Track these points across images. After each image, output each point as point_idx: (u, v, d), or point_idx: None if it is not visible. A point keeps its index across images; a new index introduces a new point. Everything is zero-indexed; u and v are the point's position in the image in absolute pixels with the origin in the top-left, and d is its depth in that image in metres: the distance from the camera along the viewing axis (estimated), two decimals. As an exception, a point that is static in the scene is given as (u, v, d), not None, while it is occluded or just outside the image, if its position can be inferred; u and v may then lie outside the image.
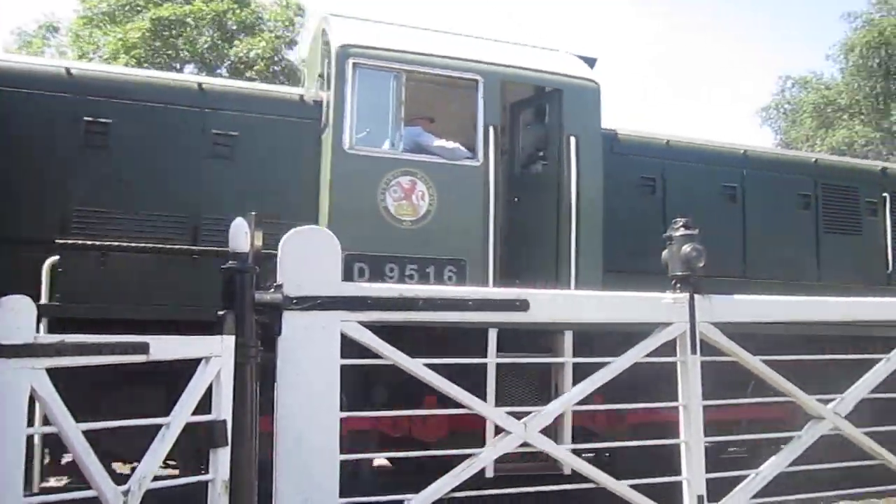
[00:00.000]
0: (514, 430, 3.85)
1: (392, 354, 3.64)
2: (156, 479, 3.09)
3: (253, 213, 3.67)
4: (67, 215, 6.07)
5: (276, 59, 24.72)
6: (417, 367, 3.68)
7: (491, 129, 6.80)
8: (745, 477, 4.49)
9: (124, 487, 2.91)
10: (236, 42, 23.78)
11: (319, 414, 3.36)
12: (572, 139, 7.00)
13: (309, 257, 3.43)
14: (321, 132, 6.76)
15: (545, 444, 3.94)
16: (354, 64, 6.48)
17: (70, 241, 5.68)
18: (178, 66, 22.58)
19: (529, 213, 7.10)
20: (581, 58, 7.72)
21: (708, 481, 4.25)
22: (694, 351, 4.32)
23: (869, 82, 28.37)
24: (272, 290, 3.40)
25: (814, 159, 9.36)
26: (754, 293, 4.81)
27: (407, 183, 6.52)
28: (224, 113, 6.63)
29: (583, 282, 6.75)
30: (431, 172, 6.62)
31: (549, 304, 4.08)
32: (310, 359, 3.35)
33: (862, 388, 4.81)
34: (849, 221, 8.86)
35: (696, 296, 4.33)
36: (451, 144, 7.02)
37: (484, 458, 3.77)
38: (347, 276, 5.99)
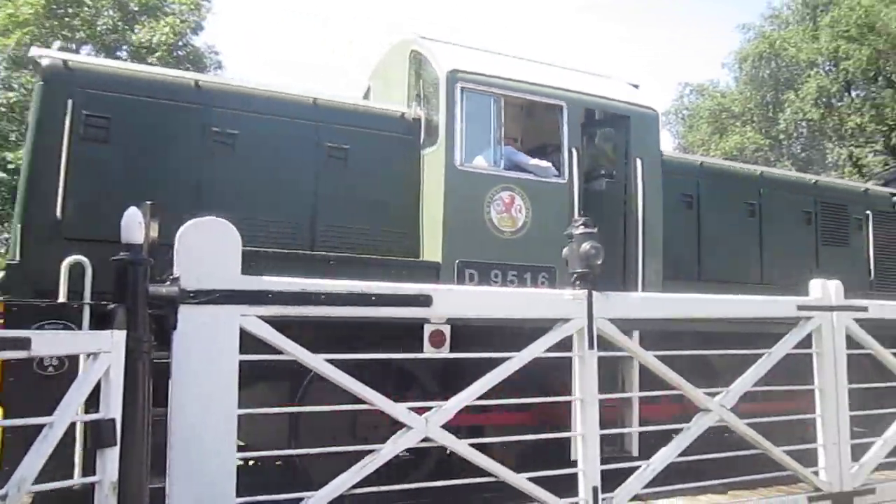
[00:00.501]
0: (416, 426, 3.87)
1: (294, 350, 3.60)
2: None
3: (149, 202, 3.51)
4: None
5: (180, 44, 23.90)
6: (318, 362, 3.65)
7: (574, 151, 7.46)
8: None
9: (2, 492, 2.76)
10: (138, 25, 22.82)
11: (215, 412, 3.27)
12: (638, 161, 7.75)
13: (208, 249, 3.33)
14: (421, 148, 7.27)
15: (445, 439, 3.98)
16: (462, 88, 7.06)
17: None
18: (74, 47, 21.46)
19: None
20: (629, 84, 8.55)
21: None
22: (591, 346, 4.44)
23: (760, 91, 29.94)
24: (168, 283, 3.29)
25: (814, 181, 10.23)
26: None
27: (507, 197, 7.15)
28: (336, 127, 7.00)
29: (648, 287, 7.41)
30: (527, 188, 7.26)
31: (451, 300, 4.12)
32: (206, 354, 3.26)
33: (747, 381, 5.08)
34: (840, 235, 9.78)
35: (594, 293, 4.46)
36: (543, 163, 7.58)
37: (384, 455, 3.77)
38: (459, 280, 6.78)
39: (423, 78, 7.50)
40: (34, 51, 6.23)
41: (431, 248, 6.97)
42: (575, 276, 4.54)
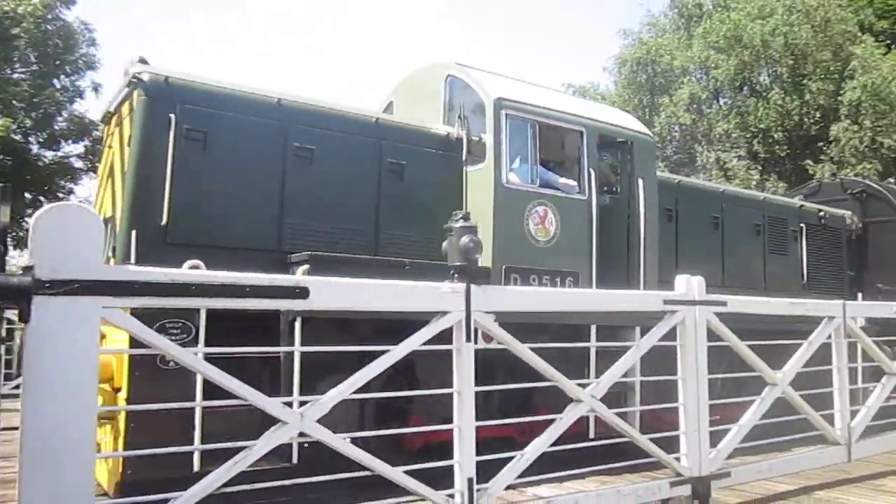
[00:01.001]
0: (290, 420, 3.80)
1: (162, 344, 3.45)
2: None
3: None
4: (282, 233, 6.90)
5: (49, 17, 22.41)
6: (190, 357, 3.51)
7: (592, 171, 8.47)
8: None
9: None
10: (1, -7, 21.24)
11: (74, 411, 3.08)
12: (640, 180, 8.80)
13: (66, 237, 3.11)
14: (463, 164, 8.09)
15: (321, 434, 3.92)
16: (507, 114, 7.94)
17: (321, 254, 6.46)
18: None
19: (602, 236, 8.55)
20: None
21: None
22: (469, 339, 4.49)
23: (637, 95, 31.24)
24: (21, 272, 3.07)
25: (762, 197, 11.98)
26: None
27: (542, 211, 8.07)
28: (395, 144, 7.74)
29: (648, 288, 8.37)
30: (557, 203, 8.21)
31: (329, 292, 4.05)
32: (63, 348, 3.05)
33: (615, 372, 5.29)
34: (782, 244, 11.32)
35: (472, 286, 4.51)
36: (570, 182, 8.52)
37: (256, 451, 3.67)
38: (506, 283, 7.37)
39: (463, 101, 8.34)
40: (136, 67, 6.47)
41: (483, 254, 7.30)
42: (453, 269, 4.58)
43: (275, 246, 6.76)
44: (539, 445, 4.89)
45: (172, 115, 6.30)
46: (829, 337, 6.98)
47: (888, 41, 31.70)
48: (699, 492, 5.63)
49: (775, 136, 28.18)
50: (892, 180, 15.80)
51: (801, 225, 11.66)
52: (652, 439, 5.54)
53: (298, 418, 3.80)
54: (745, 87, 29.79)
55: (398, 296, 4.56)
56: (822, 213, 12.16)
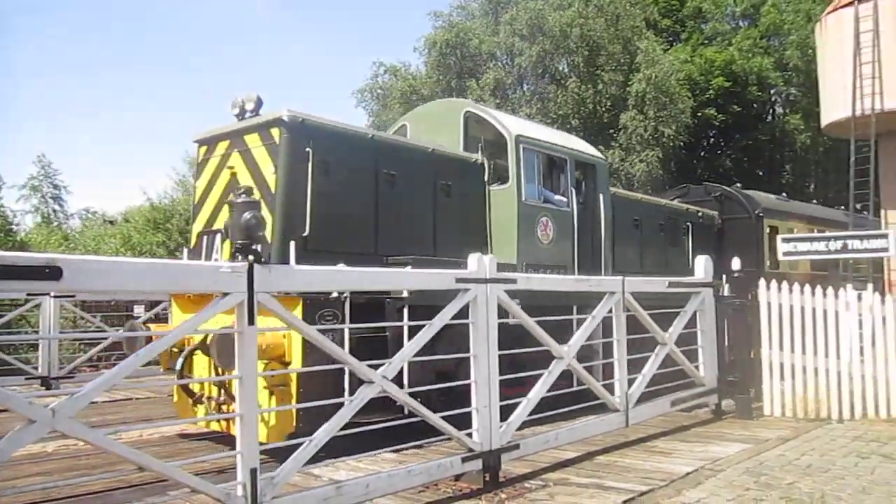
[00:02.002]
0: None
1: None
2: None
3: None
4: (378, 238, 8.36)
5: None
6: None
7: (573, 189, 10.78)
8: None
9: None
10: None
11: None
12: (601, 195, 11.24)
13: None
14: (487, 184, 10.00)
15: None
16: (523, 147, 9.97)
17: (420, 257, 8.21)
18: None
19: (563, 237, 10.64)
20: None
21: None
22: (251, 322, 4.23)
23: (446, 77, 31.75)
24: None
25: (664, 203, 14.80)
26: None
27: (545, 221, 10.23)
28: (444, 169, 9.49)
29: (606, 272, 10.86)
30: (553, 214, 10.38)
31: (85, 272, 3.62)
32: None
33: (406, 353, 5.25)
34: (677, 239, 14.03)
35: (255, 265, 4.24)
36: (561, 198, 10.61)
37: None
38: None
39: (482, 134, 10.29)
40: (282, 111, 7.83)
41: (505, 255, 9.44)
42: (236, 247, 4.29)
43: (372, 251, 8.13)
44: (330, 428, 4.74)
45: (309, 149, 7.77)
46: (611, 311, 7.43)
47: (670, 38, 34.66)
48: (490, 465, 5.75)
49: (573, 122, 29.83)
50: (739, 185, 18.69)
51: (688, 223, 14.53)
52: (452, 416, 5.60)
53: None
54: (547, 75, 31.23)
55: (174, 277, 4.20)
56: (700, 214, 15.07)
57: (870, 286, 10.77)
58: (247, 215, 4.26)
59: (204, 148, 8.74)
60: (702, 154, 35.67)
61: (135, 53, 71.59)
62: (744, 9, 35.38)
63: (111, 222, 31.88)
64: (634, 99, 28.73)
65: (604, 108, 30.03)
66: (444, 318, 5.52)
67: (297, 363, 6.78)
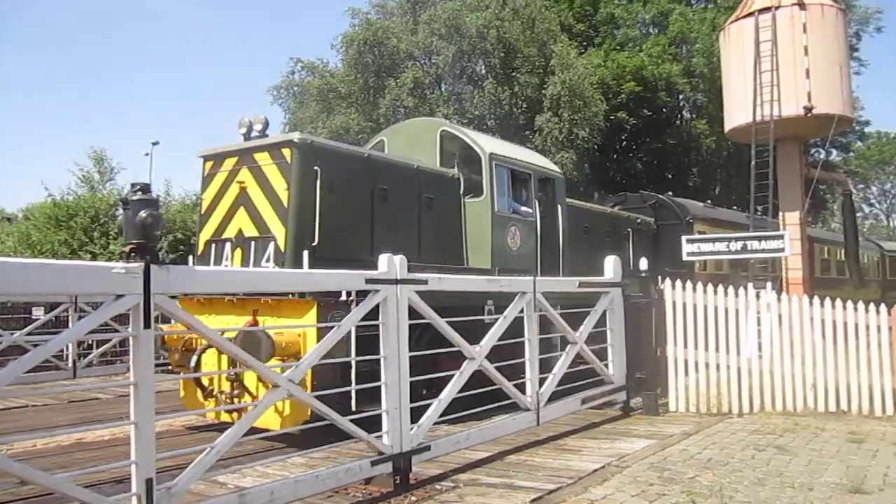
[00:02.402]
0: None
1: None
2: None
3: None
4: (374, 247, 8.50)
5: None
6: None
7: (537, 201, 11.63)
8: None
9: None
10: None
11: None
12: (559, 206, 12.12)
13: None
14: (462, 196, 10.82)
15: None
16: (496, 164, 10.81)
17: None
18: None
19: (528, 245, 11.45)
20: None
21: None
22: (147, 325, 4.04)
23: (363, 76, 31.50)
24: None
25: (608, 211, 16.00)
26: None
27: (513, 230, 11.07)
28: (427, 184, 10.28)
29: (565, 272, 11.63)
30: (520, 223, 11.20)
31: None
32: None
33: (311, 357, 5.14)
34: (620, 244, 14.93)
35: (152, 266, 4.05)
36: (526, 209, 11.45)
37: None
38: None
39: (457, 151, 11.09)
40: (293, 134, 8.75)
41: (480, 260, 10.48)
42: (130, 247, 4.09)
43: (369, 258, 7.74)
44: (233, 435, 4.59)
45: (317, 168, 8.47)
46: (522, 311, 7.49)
47: (584, 43, 35.41)
48: (400, 467, 5.71)
49: (489, 123, 30.08)
50: (671, 193, 19.74)
51: (629, 229, 15.70)
52: (369, 418, 5.52)
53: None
54: (464, 76, 31.39)
55: (64, 279, 3.96)
56: (639, 220, 16.31)
57: (769, 285, 11.27)
58: (143, 213, 4.07)
59: (210, 163, 9.28)
60: (614, 156, 36.57)
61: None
62: (653, 16, 36.46)
63: (8, 220, 30.25)
64: (550, 101, 29.19)
65: (520, 110, 30.40)
66: (352, 319, 5.44)
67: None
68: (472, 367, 6.67)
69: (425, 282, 6.11)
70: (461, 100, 30.34)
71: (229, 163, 9.01)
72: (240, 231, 8.66)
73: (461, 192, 10.82)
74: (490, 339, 6.92)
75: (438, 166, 10.97)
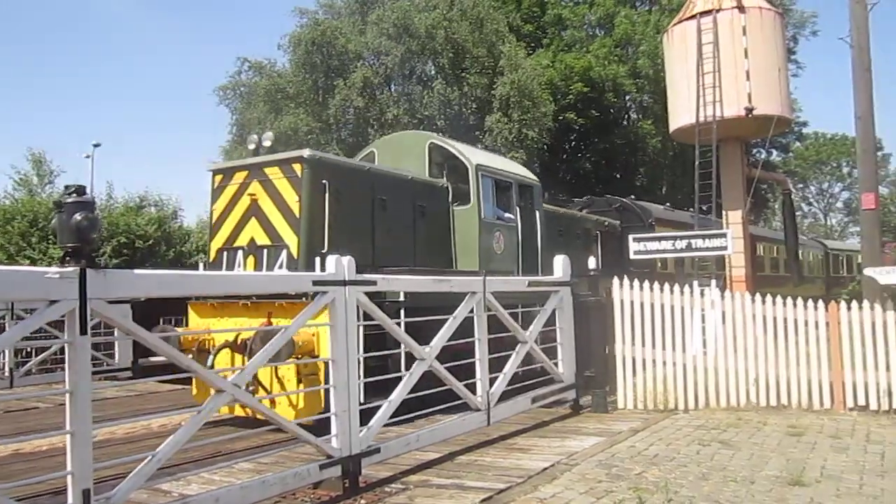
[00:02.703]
0: None
1: None
2: None
3: None
4: (375, 253, 9.65)
5: None
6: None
7: (518, 208, 12.41)
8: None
9: None
10: None
11: None
12: (537, 212, 12.85)
13: None
14: (451, 205, 11.51)
15: None
16: (482, 174, 11.50)
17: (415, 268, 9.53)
18: None
19: (509, 248, 12.17)
20: None
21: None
22: (84, 331, 3.91)
23: (312, 76, 31.22)
24: None
25: (579, 215, 16.83)
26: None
27: (498, 235, 11.80)
28: (420, 193, 11.02)
29: (544, 273, 11.25)
30: (504, 228, 11.96)
31: None
32: None
33: (257, 362, 5.05)
34: (589, 245, 15.77)
35: (88, 270, 3.93)
36: (509, 215, 12.23)
37: None
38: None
39: (445, 162, 11.96)
40: (304, 151, 9.45)
41: (468, 263, 11.03)
42: (65, 251, 3.95)
43: (370, 263, 8.65)
44: (177, 441, 4.48)
45: (325, 181, 9.17)
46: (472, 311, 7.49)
47: (533, 44, 35.71)
48: (349, 470, 5.65)
49: (439, 123, 30.10)
50: (633, 196, 20.41)
51: (598, 231, 16.56)
52: (305, 425, 5.44)
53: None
54: (414, 76, 31.36)
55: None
56: (606, 223, 17.06)
57: (713, 282, 11.51)
58: (77, 216, 3.94)
59: (220, 176, 9.88)
60: (564, 157, 36.97)
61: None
62: (599, 18, 36.98)
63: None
64: (499, 102, 29.36)
65: (470, 111, 30.50)
66: (298, 322, 5.37)
67: (324, 355, 7.22)
68: (422, 367, 6.65)
69: (374, 283, 6.07)
70: (411, 100, 30.32)
71: (239, 176, 9.59)
72: (252, 240, 9.28)
73: (450, 200, 11.55)
74: (440, 339, 6.91)
75: (428, 176, 11.68)
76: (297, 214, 9.04)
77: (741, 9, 16.09)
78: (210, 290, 5.22)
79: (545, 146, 31.16)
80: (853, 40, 13.41)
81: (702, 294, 9.66)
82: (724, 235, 11.57)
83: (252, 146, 9.74)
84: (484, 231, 11.44)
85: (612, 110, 36.63)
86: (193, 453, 6.94)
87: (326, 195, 9.12)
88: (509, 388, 8.12)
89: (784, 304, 9.26)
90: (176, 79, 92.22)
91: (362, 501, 5.44)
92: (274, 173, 9.30)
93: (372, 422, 6.05)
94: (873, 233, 13.50)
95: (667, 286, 9.65)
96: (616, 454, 6.80)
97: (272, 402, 7.51)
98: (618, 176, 36.57)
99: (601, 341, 9.75)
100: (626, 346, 9.63)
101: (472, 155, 11.96)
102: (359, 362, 6.13)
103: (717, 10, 16.12)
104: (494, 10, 31.93)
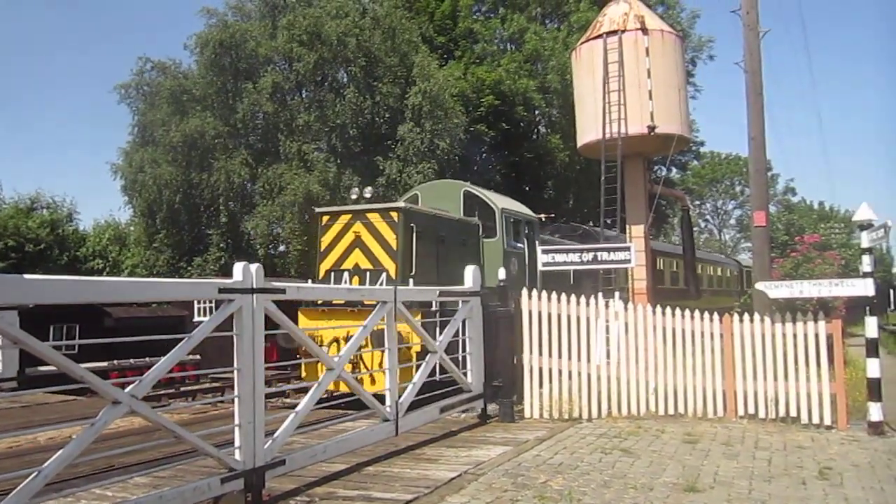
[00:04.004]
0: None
1: None
2: None
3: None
4: (439, 275, 12.59)
5: None
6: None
7: (526, 239, 15.78)
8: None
9: None
10: None
11: None
12: (536, 242, 15.70)
13: None
14: (481, 237, 14.83)
15: None
16: (504, 216, 15.22)
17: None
18: None
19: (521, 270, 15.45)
20: None
21: None
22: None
23: (220, 78, 30.46)
24: None
25: (558, 242, 18.76)
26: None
27: (514, 260, 15.14)
28: (462, 230, 14.49)
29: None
30: (516, 255, 15.28)
31: None
32: None
33: (161, 369, 4.86)
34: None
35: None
36: (519, 244, 15.54)
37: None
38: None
39: (476, 205, 15.31)
40: (399, 203, 13.58)
41: (494, 282, 11.13)
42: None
43: (436, 282, 11.26)
44: (67, 455, 4.24)
45: (413, 225, 12.40)
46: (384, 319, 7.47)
47: (445, 55, 36.00)
48: (252, 484, 5.50)
49: (351, 131, 29.92)
50: (591, 223, 22.36)
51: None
52: (207, 434, 5.25)
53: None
54: (325, 83, 31.04)
55: None
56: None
57: (617, 294, 11.86)
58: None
59: (327, 217, 13.23)
60: (475, 168, 37.35)
61: None
62: (510, 33, 37.62)
63: None
64: (411, 111, 29.43)
65: (382, 119, 30.44)
66: (203, 331, 5.20)
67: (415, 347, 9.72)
68: (331, 377, 6.56)
69: (283, 291, 5.95)
70: (323, 107, 29.99)
71: (344, 218, 12.96)
72: (356, 264, 12.28)
73: (480, 234, 14.88)
74: (349, 350, 6.84)
75: (463, 215, 15.02)
76: (395, 248, 12.37)
77: (644, 30, 16.70)
78: (100, 298, 4.96)
79: (456, 157, 31.41)
80: (747, 65, 14.18)
81: (606, 306, 9.93)
82: (627, 249, 11.95)
83: (354, 195, 13.41)
84: (505, 258, 14.72)
85: (521, 124, 37.29)
86: (85, 468, 6.63)
87: (414, 235, 12.37)
88: (418, 398, 8.12)
89: (682, 315, 9.64)
90: (73, 75, 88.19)
91: (265, 515, 5.31)
92: (375, 218, 12.68)
93: (277, 433, 5.92)
94: (763, 249, 14.28)
95: (573, 297, 9.88)
96: (522, 463, 6.90)
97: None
98: (527, 189, 37.21)
99: (509, 351, 9.87)
100: (534, 356, 9.79)
101: (498, 200, 15.82)
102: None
103: (622, 31, 16.68)
104: (407, 20, 32.04)
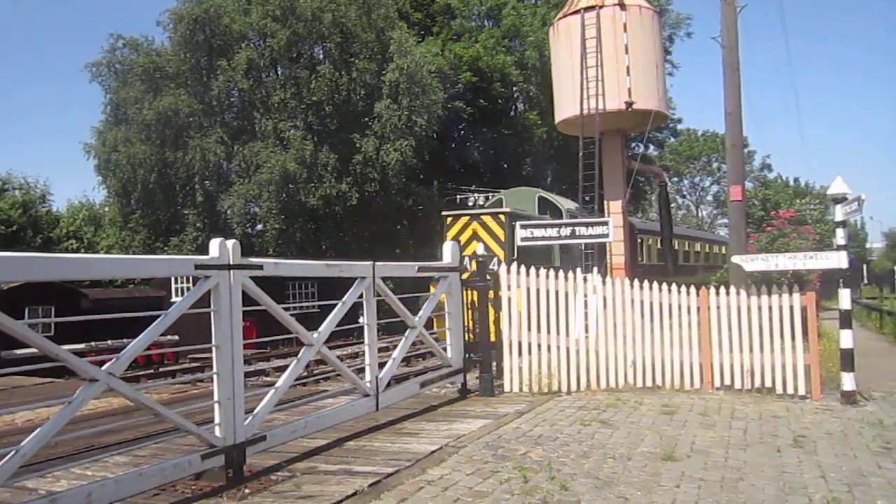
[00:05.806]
0: None
1: None
2: None
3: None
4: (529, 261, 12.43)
5: None
6: None
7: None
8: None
9: None
10: None
11: None
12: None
13: None
14: (513, 229, 14.34)
15: None
16: (569, 213, 19.47)
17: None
18: None
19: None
20: None
21: None
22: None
23: (194, 55, 29.97)
24: None
25: None
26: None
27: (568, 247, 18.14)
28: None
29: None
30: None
31: None
32: None
33: (138, 346, 4.82)
34: (571, 255, 18.87)
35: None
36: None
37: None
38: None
39: (547, 206, 20.28)
40: (507, 207, 18.67)
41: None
42: None
43: (529, 264, 10.95)
44: (44, 433, 4.21)
45: (516, 224, 13.06)
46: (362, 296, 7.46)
47: (422, 31, 35.72)
48: (233, 460, 5.49)
49: (327, 109, 29.65)
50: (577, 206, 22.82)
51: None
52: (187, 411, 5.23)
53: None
54: (301, 59, 30.67)
55: None
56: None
57: (595, 269, 11.93)
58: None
59: (451, 218, 17.54)
60: (453, 145, 37.27)
61: None
62: (488, 8, 37.38)
63: None
64: (388, 88, 29.20)
65: (358, 97, 30.17)
66: (180, 307, 5.16)
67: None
68: (310, 353, 6.55)
69: (261, 267, 5.91)
70: (298, 84, 29.66)
71: (463, 220, 17.35)
72: (474, 252, 12.53)
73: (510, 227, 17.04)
74: (328, 325, 6.82)
75: (538, 214, 19.07)
76: (503, 240, 16.47)
77: (622, 6, 16.70)
78: (89, 275, 4.91)
79: (434, 134, 31.28)
80: (723, 40, 14.20)
81: (585, 280, 9.99)
82: (605, 223, 12.01)
83: (470, 202, 19.50)
84: (564, 246, 17.69)
85: (500, 100, 37.22)
86: (64, 448, 6.59)
87: (516, 231, 13.33)
88: (399, 373, 8.14)
89: (660, 289, 9.72)
90: (43, 54, 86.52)
91: (246, 491, 5.30)
92: (487, 219, 17.13)
93: (257, 409, 5.91)
94: (740, 223, 14.39)
95: (552, 272, 9.92)
96: (502, 436, 6.95)
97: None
98: (505, 166, 37.21)
99: (488, 326, 9.90)
100: (513, 331, 9.83)
101: (562, 202, 20.51)
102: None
103: (600, 7, 16.67)
104: (384, -5, 31.71)
